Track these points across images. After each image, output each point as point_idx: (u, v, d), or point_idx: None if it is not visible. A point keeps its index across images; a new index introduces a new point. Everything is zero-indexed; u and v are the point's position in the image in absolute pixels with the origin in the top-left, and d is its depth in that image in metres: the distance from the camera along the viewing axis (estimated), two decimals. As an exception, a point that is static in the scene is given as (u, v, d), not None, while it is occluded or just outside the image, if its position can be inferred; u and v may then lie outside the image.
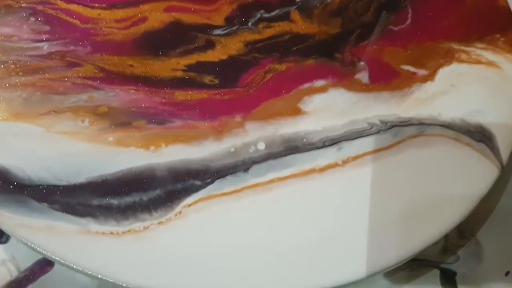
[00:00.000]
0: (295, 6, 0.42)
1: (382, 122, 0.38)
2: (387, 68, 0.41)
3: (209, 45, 0.39)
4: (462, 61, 0.41)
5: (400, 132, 0.37)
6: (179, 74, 0.38)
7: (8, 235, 0.38)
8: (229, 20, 0.40)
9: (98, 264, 0.31)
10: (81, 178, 0.33)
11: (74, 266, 0.30)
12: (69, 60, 0.37)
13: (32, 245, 0.32)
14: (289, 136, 0.36)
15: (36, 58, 0.37)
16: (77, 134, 0.35)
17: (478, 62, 0.41)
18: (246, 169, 0.34)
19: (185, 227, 0.32)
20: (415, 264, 0.40)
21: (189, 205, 0.33)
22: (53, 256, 0.31)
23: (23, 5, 0.38)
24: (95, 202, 0.32)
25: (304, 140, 0.36)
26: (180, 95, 0.37)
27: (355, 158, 0.36)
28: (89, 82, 0.37)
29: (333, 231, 0.34)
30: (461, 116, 0.37)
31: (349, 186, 0.35)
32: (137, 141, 0.35)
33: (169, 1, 0.41)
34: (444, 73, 0.40)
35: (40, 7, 0.39)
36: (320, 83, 0.39)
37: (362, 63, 0.40)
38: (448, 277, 0.40)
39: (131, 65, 0.38)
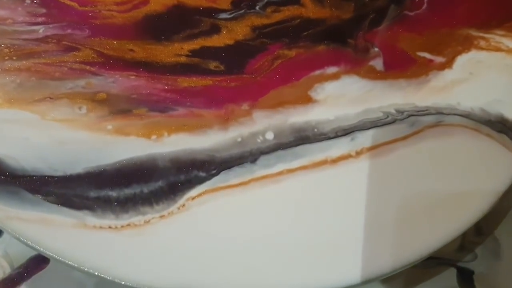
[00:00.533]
0: (305, -10, 0.40)
1: (398, 111, 0.36)
2: (403, 55, 0.39)
3: (214, 29, 0.37)
4: (481, 48, 0.39)
5: (417, 121, 0.36)
6: (183, 59, 0.36)
7: (1, 230, 0.36)
8: (235, 4, 0.38)
9: (96, 260, 0.29)
10: (78, 169, 0.32)
11: (70, 263, 0.29)
12: (66, 44, 0.36)
13: (25, 240, 0.30)
14: (299, 125, 0.35)
15: (31, 42, 0.35)
16: (74, 121, 0.33)
17: (498, 49, 0.39)
18: (253, 160, 0.33)
19: (188, 221, 0.31)
20: (431, 263, 0.38)
21: (193, 198, 0.32)
22: (47, 252, 0.30)
23: (19, -14, 0.35)
24: (93, 194, 0.31)
25: (315, 130, 0.35)
26: (184, 81, 0.36)
27: (369, 149, 0.34)
28: (87, 67, 0.35)
29: (347, 225, 0.32)
30: (481, 106, 0.36)
31: (363, 179, 0.34)
32: (137, 130, 0.33)
33: (172, -18, 0.39)
34: (462, 60, 0.39)
35: (35, -11, 0.37)
36: (332, 70, 0.37)
37: (376, 49, 0.39)
38: (465, 276, 0.39)
39: (131, 50, 0.36)
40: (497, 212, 0.39)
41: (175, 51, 0.37)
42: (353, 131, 0.35)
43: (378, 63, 0.38)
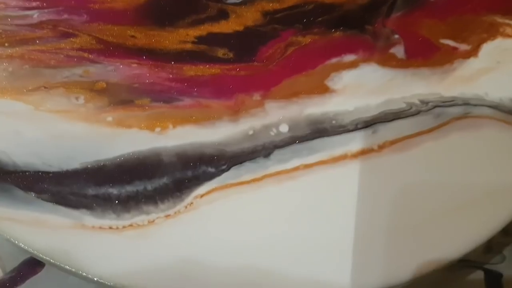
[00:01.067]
0: (320, -28, 0.38)
1: (422, 102, 0.34)
2: (425, 42, 0.36)
3: (222, 14, 0.35)
4: (507, 35, 0.37)
5: (443, 113, 0.34)
6: (188, 46, 0.34)
7: (-8, 231, 0.34)
8: None
9: (95, 265, 0.28)
10: (75, 164, 0.30)
11: (66, 267, 0.28)
12: (62, 30, 0.34)
13: (17, 242, 0.29)
14: (316, 117, 0.33)
15: (25, 27, 0.34)
16: (70, 113, 0.32)
17: (525, 37, 0.37)
18: (267, 155, 0.32)
19: (196, 221, 0.30)
20: (457, 265, 0.36)
21: (201, 196, 0.30)
22: (41, 255, 0.29)
23: (11, -33, 0.34)
24: (91, 191, 0.30)
25: (334, 121, 0.33)
26: (190, 70, 0.34)
27: (392, 142, 0.33)
28: (85, 55, 0.34)
29: (370, 224, 0.31)
30: (511, 96, 0.34)
31: (387, 174, 0.32)
32: (140, 122, 0.32)
33: (177, -37, 0.37)
34: (488, 48, 0.37)
35: (30, -30, 0.36)
36: (349, 57, 0.35)
37: (396, 36, 0.36)
38: (494, 279, 0.37)
39: (133, 36, 0.34)
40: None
41: (180, 37, 0.35)
42: (374, 123, 0.33)
43: (399, 51, 0.36)
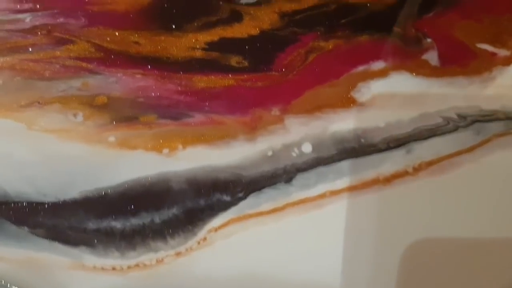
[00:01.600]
0: (343, -33, 0.36)
1: (460, 116, 0.32)
2: (461, 47, 0.34)
3: (235, 16, 0.33)
4: None
5: (484, 129, 0.32)
6: (198, 54, 0.33)
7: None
8: None
9: None
10: (73, 193, 0.29)
11: None
12: (57, 36, 0.32)
13: (9, 285, 0.27)
14: (342, 135, 0.31)
15: (16, 33, 0.32)
16: (68, 132, 0.30)
17: None
18: (288, 179, 0.30)
19: (211, 259, 0.28)
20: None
21: (216, 229, 0.29)
22: None
23: (0, -35, 0.33)
24: (92, 225, 0.29)
25: (362, 140, 0.31)
26: (200, 81, 0.32)
27: (429, 164, 0.31)
28: (83, 64, 0.32)
29: (404, 254, 0.29)
30: None
31: (423, 201, 0.30)
32: (146, 142, 0.30)
33: (184, -43, 0.36)
34: None
35: (22, -32, 0.34)
36: (377, 65, 0.33)
37: (429, 40, 0.34)
38: None
39: (136, 43, 0.32)
40: None
41: (188, 43, 0.33)
42: (408, 142, 0.31)
43: (432, 57, 0.34)
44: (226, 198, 0.29)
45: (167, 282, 0.28)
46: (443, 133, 0.32)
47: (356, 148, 0.31)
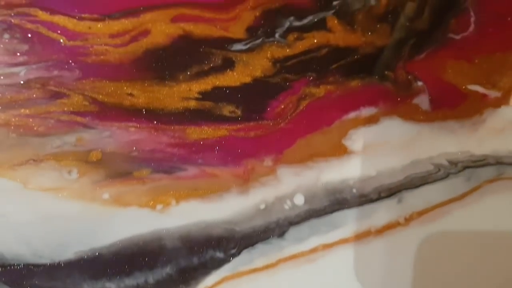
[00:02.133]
0: (332, 11, 0.34)
1: (451, 162, 0.31)
2: (451, 89, 0.33)
3: (228, 64, 0.33)
4: None
5: (474, 175, 0.31)
6: (192, 104, 0.32)
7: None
8: (251, 31, 0.33)
9: None
10: (69, 253, 0.28)
11: None
12: (52, 90, 0.32)
13: None
14: (334, 185, 0.30)
15: (10, 87, 0.31)
16: (62, 190, 0.30)
17: None
18: (281, 234, 0.30)
19: None
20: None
21: None
22: None
23: (-5, 18, 0.32)
24: (87, 286, 0.28)
25: (354, 190, 0.30)
26: (193, 132, 0.32)
27: (420, 213, 0.30)
28: (78, 119, 0.31)
29: None
30: None
31: (414, 251, 0.29)
32: (139, 198, 0.30)
33: (177, 8, 0.33)
34: None
35: (16, 20, 0.32)
36: (368, 111, 0.32)
37: (419, 83, 0.33)
38: None
39: (130, 94, 0.32)
40: None
41: (182, 93, 0.32)
42: (399, 191, 0.31)
43: (423, 101, 0.33)
44: (219, 254, 0.29)
45: None
46: (434, 180, 0.31)
47: (348, 199, 0.30)
